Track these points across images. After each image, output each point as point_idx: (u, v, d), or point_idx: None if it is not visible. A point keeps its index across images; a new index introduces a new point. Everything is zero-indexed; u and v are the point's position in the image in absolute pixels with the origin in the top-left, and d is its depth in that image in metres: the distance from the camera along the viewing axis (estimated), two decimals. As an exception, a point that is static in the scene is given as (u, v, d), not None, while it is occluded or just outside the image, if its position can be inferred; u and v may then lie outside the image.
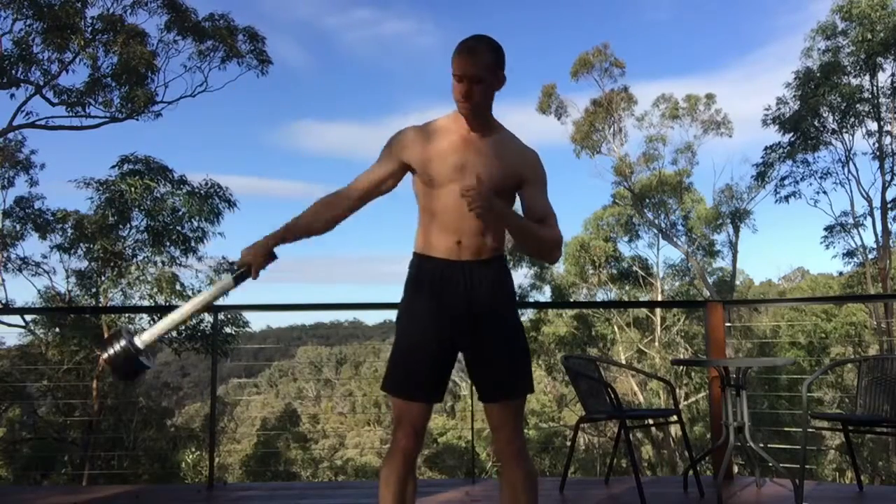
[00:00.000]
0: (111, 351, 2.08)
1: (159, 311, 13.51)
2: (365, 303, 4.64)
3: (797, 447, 4.50)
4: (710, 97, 22.31)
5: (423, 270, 2.10)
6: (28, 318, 13.84)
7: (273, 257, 2.15)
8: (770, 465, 3.81)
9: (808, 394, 3.65)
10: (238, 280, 2.15)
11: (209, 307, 2.16)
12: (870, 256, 18.60)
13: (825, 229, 19.38)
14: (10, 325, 14.01)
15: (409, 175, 2.15)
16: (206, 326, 12.96)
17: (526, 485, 2.05)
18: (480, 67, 2.00)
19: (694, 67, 67.04)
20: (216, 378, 4.76)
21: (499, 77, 2.06)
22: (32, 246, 22.30)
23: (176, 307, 2.18)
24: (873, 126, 17.95)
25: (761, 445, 3.84)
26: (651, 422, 5.90)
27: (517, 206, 2.17)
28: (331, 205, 2.15)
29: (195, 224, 13.79)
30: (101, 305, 13.73)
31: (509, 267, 2.16)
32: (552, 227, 2.08)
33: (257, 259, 2.12)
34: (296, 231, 2.15)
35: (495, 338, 2.06)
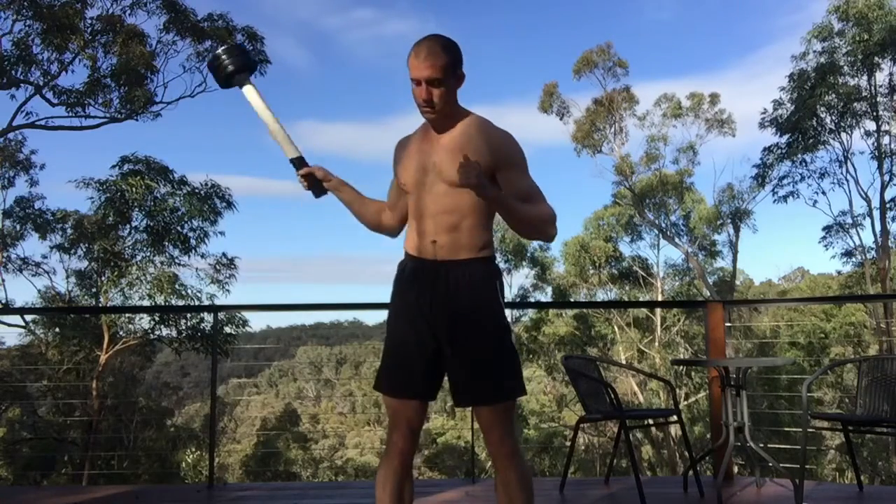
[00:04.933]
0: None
1: (159, 310, 13.59)
2: (365, 303, 4.60)
3: (797, 447, 4.50)
4: (714, 96, 22.27)
5: (406, 269, 2.14)
6: (28, 318, 13.85)
7: (322, 188, 2.29)
8: (770, 465, 3.81)
9: (808, 394, 3.65)
10: (298, 163, 2.29)
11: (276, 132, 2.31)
12: (869, 256, 18.58)
13: (824, 229, 19.35)
14: (10, 325, 14.01)
15: None
16: (206, 326, 12.98)
17: (520, 485, 2.05)
18: (438, 69, 1.96)
19: (694, 67, 67.19)
20: (216, 378, 4.76)
21: (458, 76, 2.03)
22: (32, 246, 22.27)
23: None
24: (871, 126, 17.93)
25: (761, 445, 3.84)
26: (651, 422, 5.90)
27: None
28: (371, 205, 2.33)
29: (195, 224, 13.81)
30: (101, 305, 13.73)
31: (500, 268, 2.15)
32: (540, 203, 2.04)
33: (320, 170, 2.27)
34: (350, 193, 2.31)
35: (472, 341, 2.02)
